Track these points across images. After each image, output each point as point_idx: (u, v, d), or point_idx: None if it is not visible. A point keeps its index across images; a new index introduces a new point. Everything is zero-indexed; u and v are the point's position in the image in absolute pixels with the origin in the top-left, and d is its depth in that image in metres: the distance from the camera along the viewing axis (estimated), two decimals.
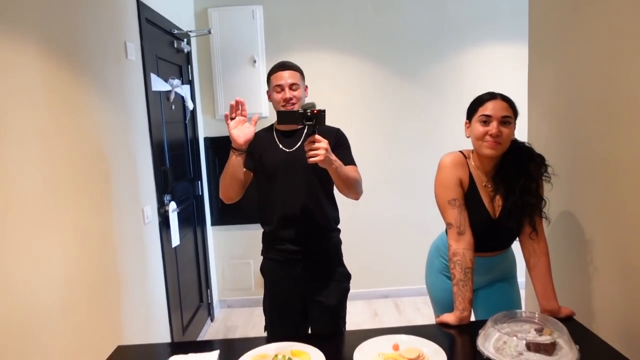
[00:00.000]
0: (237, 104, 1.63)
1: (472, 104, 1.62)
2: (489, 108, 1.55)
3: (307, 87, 1.92)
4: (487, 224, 1.61)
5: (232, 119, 1.64)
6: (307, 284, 1.88)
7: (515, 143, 1.61)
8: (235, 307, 3.91)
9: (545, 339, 1.26)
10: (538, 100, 2.07)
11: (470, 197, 1.61)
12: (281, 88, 1.81)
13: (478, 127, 1.56)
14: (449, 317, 1.52)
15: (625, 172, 1.49)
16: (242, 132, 1.63)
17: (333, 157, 1.62)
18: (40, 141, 1.52)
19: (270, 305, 1.95)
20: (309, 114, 1.54)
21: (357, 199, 1.85)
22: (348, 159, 1.84)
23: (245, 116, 1.66)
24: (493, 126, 1.53)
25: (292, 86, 1.81)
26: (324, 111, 1.55)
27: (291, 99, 1.80)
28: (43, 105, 1.55)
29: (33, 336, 1.43)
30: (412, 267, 3.76)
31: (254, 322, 3.58)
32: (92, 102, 1.89)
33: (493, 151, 1.55)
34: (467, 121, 1.64)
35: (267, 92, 1.91)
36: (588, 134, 1.70)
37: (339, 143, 1.86)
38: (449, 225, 1.61)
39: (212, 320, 3.68)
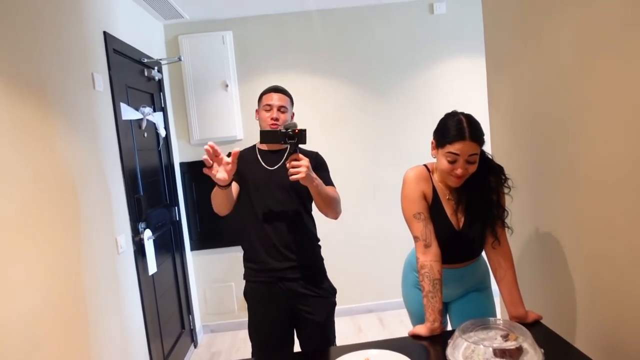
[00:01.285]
0: (210, 150, 1.59)
1: (441, 132, 1.58)
2: (456, 148, 1.51)
3: (293, 114, 2.00)
4: (452, 235, 1.65)
5: (210, 167, 1.63)
6: (294, 303, 1.90)
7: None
8: (219, 332, 3.87)
9: (510, 344, 1.29)
10: (498, 112, 2.14)
11: (434, 210, 1.66)
12: (270, 107, 1.91)
13: (444, 162, 1.55)
14: (421, 329, 1.55)
15: (584, 178, 1.55)
16: (225, 171, 1.64)
17: (314, 175, 1.69)
18: (7, 174, 1.52)
19: (256, 330, 1.96)
20: (290, 133, 1.61)
21: (335, 218, 1.91)
22: (327, 181, 1.90)
23: (219, 156, 1.63)
24: (460, 166, 1.53)
25: (280, 108, 1.91)
26: (304, 130, 1.62)
27: (277, 119, 1.89)
28: (8, 138, 1.55)
29: None
30: (395, 280, 3.73)
31: (237, 346, 3.55)
32: (60, 134, 1.89)
33: (457, 185, 1.60)
34: (434, 141, 1.62)
35: (256, 110, 1.99)
36: (547, 143, 1.76)
37: (318, 165, 1.92)
38: (415, 238, 1.64)
39: (195, 347, 3.63)
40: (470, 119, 1.55)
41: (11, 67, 1.59)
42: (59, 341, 1.76)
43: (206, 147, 1.59)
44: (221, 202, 1.81)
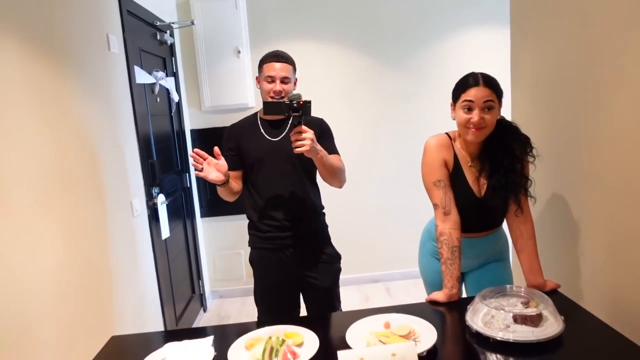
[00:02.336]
0: (196, 155, 1.68)
1: (456, 87, 1.62)
2: (471, 94, 1.52)
3: (296, 79, 1.93)
4: (473, 203, 1.64)
5: (200, 170, 1.69)
6: (299, 269, 1.92)
7: (501, 122, 1.62)
8: (228, 297, 3.93)
9: (531, 311, 1.31)
10: (520, 81, 2.11)
11: (455, 177, 1.65)
12: (272, 79, 1.82)
13: (461, 114, 1.56)
14: (438, 295, 1.56)
15: (607, 149, 1.53)
16: (218, 171, 1.71)
17: (318, 147, 1.67)
18: (25, 136, 1.51)
19: (262, 296, 1.98)
20: (295, 105, 1.58)
21: (340, 187, 1.90)
22: (332, 149, 1.88)
23: (206, 159, 1.70)
24: (475, 114, 1.52)
25: (283, 79, 1.82)
26: (309, 102, 1.59)
27: (281, 92, 1.81)
28: (25, 101, 1.53)
29: (26, 328, 1.43)
30: (402, 251, 3.82)
31: (246, 311, 3.61)
32: (76, 96, 1.87)
33: (476, 138, 1.57)
34: (452, 103, 1.64)
35: (257, 77, 1.92)
36: (570, 113, 1.73)
37: (323, 133, 1.90)
38: (435, 205, 1.64)
39: (204, 311, 3.70)
40: (484, 73, 1.57)
41: (23, 26, 1.56)
42: (82, 296, 1.79)
43: (191, 153, 1.68)
44: (225, 195, 1.86)
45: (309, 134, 1.59)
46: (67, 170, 1.75)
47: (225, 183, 1.76)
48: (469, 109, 1.54)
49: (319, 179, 1.93)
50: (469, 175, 1.65)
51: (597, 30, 1.53)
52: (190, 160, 1.67)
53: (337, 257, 2.00)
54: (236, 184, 1.89)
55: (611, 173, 1.52)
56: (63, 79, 1.78)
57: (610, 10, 1.46)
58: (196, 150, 1.68)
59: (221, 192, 1.85)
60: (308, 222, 1.92)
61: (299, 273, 1.92)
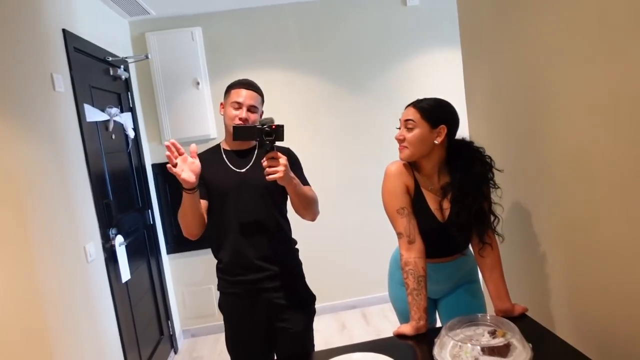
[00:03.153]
0: (172, 147, 1.52)
1: None
2: (402, 115, 1.63)
3: (262, 113, 1.84)
4: (436, 228, 1.61)
5: (174, 165, 1.52)
6: (271, 313, 1.79)
7: (456, 142, 1.62)
8: (200, 336, 3.77)
9: (498, 341, 1.26)
10: (475, 101, 2.11)
11: (416, 202, 1.61)
12: (239, 106, 1.72)
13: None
14: (406, 328, 1.50)
15: (564, 168, 1.52)
16: (190, 171, 1.53)
17: (292, 174, 1.58)
18: None
19: (233, 343, 1.85)
20: (267, 129, 1.48)
21: (313, 219, 1.80)
22: (303, 180, 1.78)
23: (182, 154, 1.54)
24: (399, 131, 1.62)
25: (250, 108, 1.73)
26: (282, 126, 1.50)
27: (247, 119, 1.71)
28: None
29: None
30: (376, 274, 3.71)
31: (219, 350, 3.46)
32: (15, 138, 1.77)
33: (401, 154, 1.61)
34: None
35: (221, 103, 1.81)
36: (526, 133, 1.73)
37: (293, 164, 1.77)
38: (399, 234, 1.59)
39: (175, 352, 3.53)
40: (424, 99, 1.62)
41: None
42: (28, 356, 1.65)
43: (166, 143, 1.52)
44: (192, 217, 1.64)
45: (282, 159, 1.50)
46: (7, 218, 1.63)
47: (195, 189, 1.58)
48: (399, 128, 1.63)
49: (290, 213, 1.82)
50: (430, 200, 1.62)
51: (542, 49, 1.54)
52: (166, 153, 1.50)
53: (311, 299, 1.88)
54: (203, 211, 1.71)
55: (571, 195, 1.50)
56: (1, 120, 1.68)
57: (545, 35, 1.48)
58: (172, 141, 1.51)
59: (187, 206, 1.62)
60: (281, 260, 1.78)
61: (270, 318, 1.79)
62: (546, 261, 1.71)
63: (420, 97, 1.64)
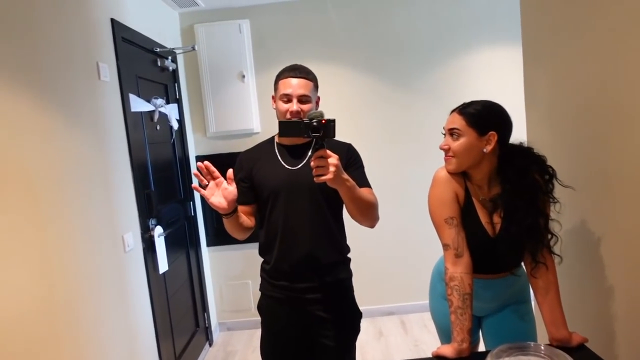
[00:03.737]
0: (204, 169, 1.40)
1: None
2: (446, 122, 1.50)
3: (319, 98, 1.66)
4: (486, 243, 1.46)
5: (204, 187, 1.41)
6: (313, 325, 1.64)
7: (511, 148, 1.46)
8: (236, 330, 3.76)
9: None
10: (535, 103, 1.93)
11: (466, 213, 1.47)
12: (288, 98, 1.55)
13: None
14: (447, 350, 1.37)
15: (638, 179, 1.34)
16: (222, 197, 1.41)
17: (345, 175, 1.37)
18: (4, 169, 1.42)
19: (269, 350, 1.72)
20: (315, 124, 1.31)
21: (372, 226, 1.61)
22: (362, 180, 1.59)
23: (217, 177, 1.42)
24: (444, 140, 1.49)
25: (301, 98, 1.56)
26: (333, 121, 1.32)
27: (299, 112, 1.54)
28: (5, 133, 1.44)
29: None
30: (417, 281, 3.58)
31: (254, 346, 3.43)
32: (60, 127, 1.78)
33: (447, 166, 1.48)
34: None
35: (272, 96, 1.66)
36: (592, 139, 1.55)
37: (352, 161, 1.62)
38: (445, 246, 1.46)
39: (210, 345, 3.53)
40: (471, 102, 1.46)
41: (7, 55, 1.47)
42: (60, 344, 1.65)
43: (199, 164, 1.40)
44: (232, 230, 1.55)
45: (332, 159, 1.31)
46: (44, 207, 1.64)
47: (231, 214, 1.46)
48: (444, 136, 1.51)
49: (346, 218, 1.66)
50: (481, 211, 1.47)
51: (612, 48, 1.36)
52: (194, 177, 1.39)
53: (358, 315, 1.72)
54: (247, 220, 1.59)
55: None
56: (46, 109, 1.69)
57: (629, 28, 1.28)
58: (206, 163, 1.39)
59: (228, 226, 1.54)
60: (329, 270, 1.63)
61: (311, 331, 1.65)
62: (611, 288, 1.52)
63: (467, 101, 1.48)
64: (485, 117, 1.42)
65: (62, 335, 1.69)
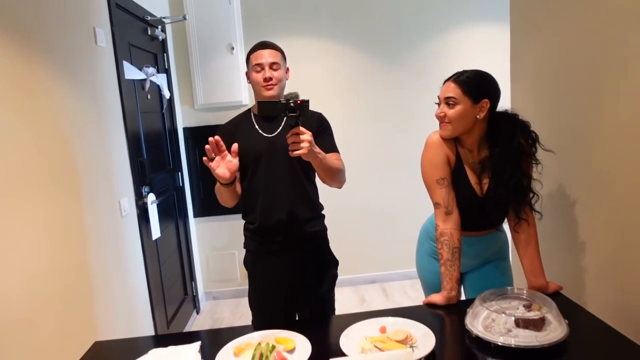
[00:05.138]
0: (214, 143, 1.55)
1: None
2: (442, 90, 1.57)
3: (288, 69, 1.84)
4: (474, 202, 1.58)
5: (211, 159, 1.57)
6: (294, 274, 1.83)
7: (505, 116, 1.57)
8: (222, 299, 3.86)
9: (533, 314, 1.25)
10: (521, 76, 2.05)
11: (456, 175, 1.59)
12: (261, 67, 1.72)
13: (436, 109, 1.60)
14: (437, 297, 1.50)
15: (613, 145, 1.48)
16: (227, 168, 1.59)
17: (317, 149, 1.55)
18: (4, 132, 1.44)
19: (257, 299, 1.90)
20: (292, 104, 1.46)
21: (339, 187, 1.81)
22: (331, 146, 1.78)
23: (223, 151, 1.59)
24: (439, 108, 1.56)
25: (272, 65, 1.73)
26: (307, 101, 1.47)
27: (271, 78, 1.71)
28: (4, 94, 1.46)
29: (3, 334, 1.36)
30: (399, 251, 3.76)
31: (240, 313, 3.54)
32: (59, 90, 1.80)
33: (442, 132, 1.57)
34: None
35: (246, 73, 1.83)
36: (575, 107, 1.68)
37: (322, 129, 1.80)
38: (436, 205, 1.58)
39: (197, 313, 3.63)
40: (464, 71, 1.55)
41: (7, 19, 1.49)
42: (65, 300, 1.72)
43: (210, 139, 1.54)
44: (225, 198, 1.76)
45: (306, 135, 1.48)
46: (47, 168, 1.68)
47: (230, 184, 1.66)
48: (438, 104, 1.58)
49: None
50: (470, 173, 1.59)
51: (602, 24, 1.47)
52: (206, 146, 1.53)
53: (334, 262, 1.92)
54: (238, 186, 1.80)
55: (617, 171, 1.46)
56: (46, 71, 1.71)
57: (615, 6, 1.40)
58: (217, 138, 1.54)
59: (224, 195, 1.74)
60: (306, 224, 1.83)
61: (294, 277, 1.84)
62: (588, 242, 1.67)
63: (459, 70, 1.58)
64: (479, 85, 1.52)
65: (73, 294, 1.76)
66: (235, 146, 1.59)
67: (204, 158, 1.57)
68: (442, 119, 1.56)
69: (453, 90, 1.53)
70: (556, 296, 1.48)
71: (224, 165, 1.59)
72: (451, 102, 1.53)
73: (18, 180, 1.49)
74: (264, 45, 1.77)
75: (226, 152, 1.59)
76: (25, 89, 1.57)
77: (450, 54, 3.70)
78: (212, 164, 1.57)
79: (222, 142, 1.56)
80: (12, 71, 1.51)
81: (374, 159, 3.80)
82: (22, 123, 1.54)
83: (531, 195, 1.57)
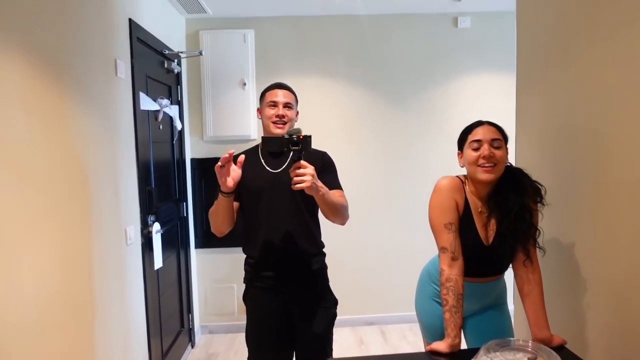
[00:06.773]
0: (229, 157, 1.61)
1: (462, 133, 1.65)
2: (479, 133, 1.57)
3: (298, 112, 1.92)
4: (480, 250, 1.60)
5: (221, 167, 1.62)
6: (293, 311, 1.83)
7: (511, 169, 1.62)
8: (218, 333, 3.79)
9: None
10: (527, 127, 2.10)
11: (464, 222, 1.60)
12: (275, 104, 1.82)
13: (471, 153, 1.57)
14: (441, 345, 1.49)
15: (617, 199, 1.50)
16: (231, 178, 1.64)
17: (319, 183, 1.59)
18: (18, 156, 1.47)
19: (253, 335, 1.88)
20: (295, 139, 1.53)
21: (343, 224, 1.83)
22: (334, 184, 1.81)
23: (231, 165, 1.66)
24: (485, 149, 1.54)
25: (286, 104, 1.83)
26: (309, 137, 1.54)
27: (284, 116, 1.80)
28: (22, 119, 1.50)
29: (4, 358, 1.35)
30: (399, 293, 3.73)
31: (235, 349, 3.48)
32: (77, 118, 1.85)
33: (489, 175, 1.54)
34: (460, 152, 1.66)
35: (258, 109, 1.91)
36: (578, 163, 1.71)
37: (325, 167, 1.84)
38: (442, 249, 1.58)
39: (192, 347, 3.56)
40: (488, 120, 1.61)
41: (31, 43, 1.55)
42: (66, 331, 1.70)
43: (229, 152, 1.60)
44: (222, 217, 1.75)
45: (309, 169, 1.53)
46: (58, 194, 1.69)
47: (230, 194, 1.68)
48: (477, 148, 1.56)
49: (320, 215, 1.86)
50: (478, 222, 1.61)
51: (607, 78, 1.53)
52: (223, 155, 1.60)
53: (334, 302, 1.91)
54: (234, 212, 1.81)
55: (623, 225, 1.48)
56: (65, 98, 1.76)
57: (622, 60, 1.46)
58: (230, 152, 1.62)
59: (217, 214, 1.75)
60: (307, 261, 1.83)
61: (293, 315, 1.84)
62: (592, 295, 1.66)
63: (472, 120, 1.65)
64: (504, 131, 1.60)
65: (72, 320, 1.74)
66: (241, 157, 1.65)
67: (218, 164, 1.61)
68: (489, 159, 1.53)
69: (495, 132, 1.57)
70: (560, 350, 1.47)
71: (230, 174, 1.64)
72: (496, 145, 1.55)
73: (28, 206, 1.51)
74: (280, 85, 1.88)
75: (233, 166, 1.65)
76: (44, 115, 1.62)
77: (454, 101, 3.78)
78: (222, 171, 1.62)
79: (232, 157, 1.63)
80: (32, 96, 1.55)
81: (376, 199, 3.82)
82: (35, 149, 1.57)
83: (533, 230, 1.58)
